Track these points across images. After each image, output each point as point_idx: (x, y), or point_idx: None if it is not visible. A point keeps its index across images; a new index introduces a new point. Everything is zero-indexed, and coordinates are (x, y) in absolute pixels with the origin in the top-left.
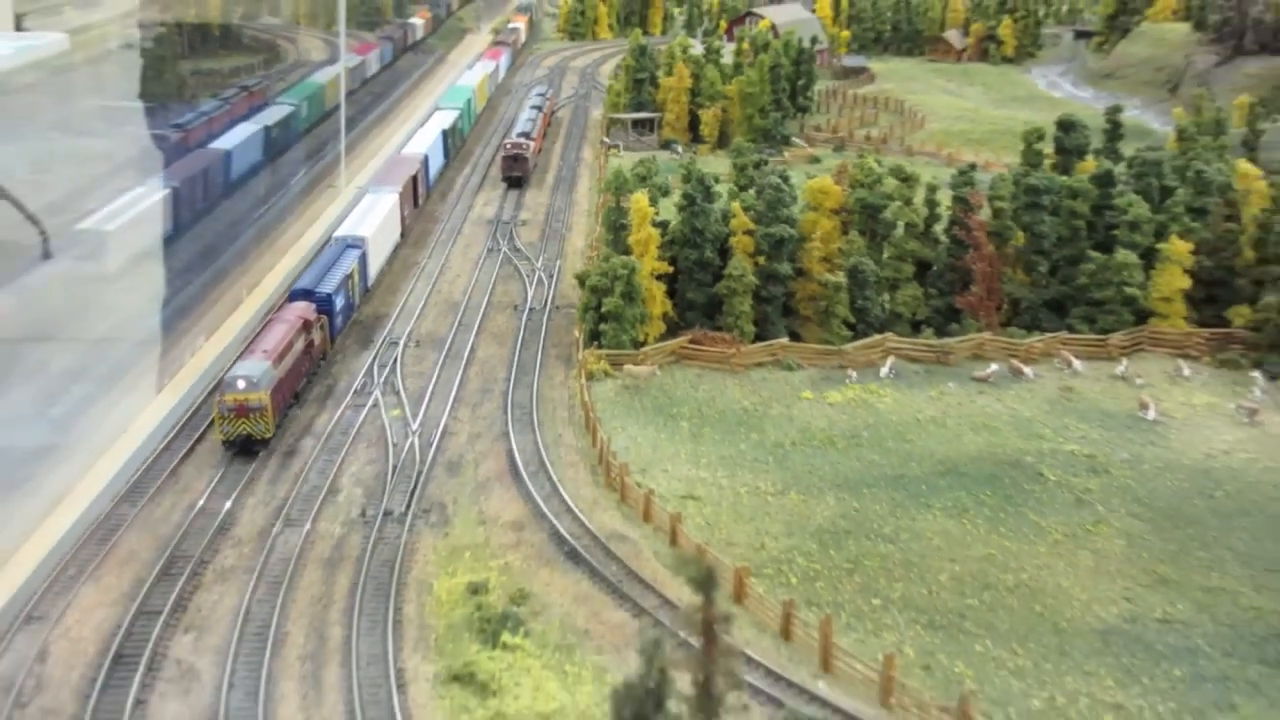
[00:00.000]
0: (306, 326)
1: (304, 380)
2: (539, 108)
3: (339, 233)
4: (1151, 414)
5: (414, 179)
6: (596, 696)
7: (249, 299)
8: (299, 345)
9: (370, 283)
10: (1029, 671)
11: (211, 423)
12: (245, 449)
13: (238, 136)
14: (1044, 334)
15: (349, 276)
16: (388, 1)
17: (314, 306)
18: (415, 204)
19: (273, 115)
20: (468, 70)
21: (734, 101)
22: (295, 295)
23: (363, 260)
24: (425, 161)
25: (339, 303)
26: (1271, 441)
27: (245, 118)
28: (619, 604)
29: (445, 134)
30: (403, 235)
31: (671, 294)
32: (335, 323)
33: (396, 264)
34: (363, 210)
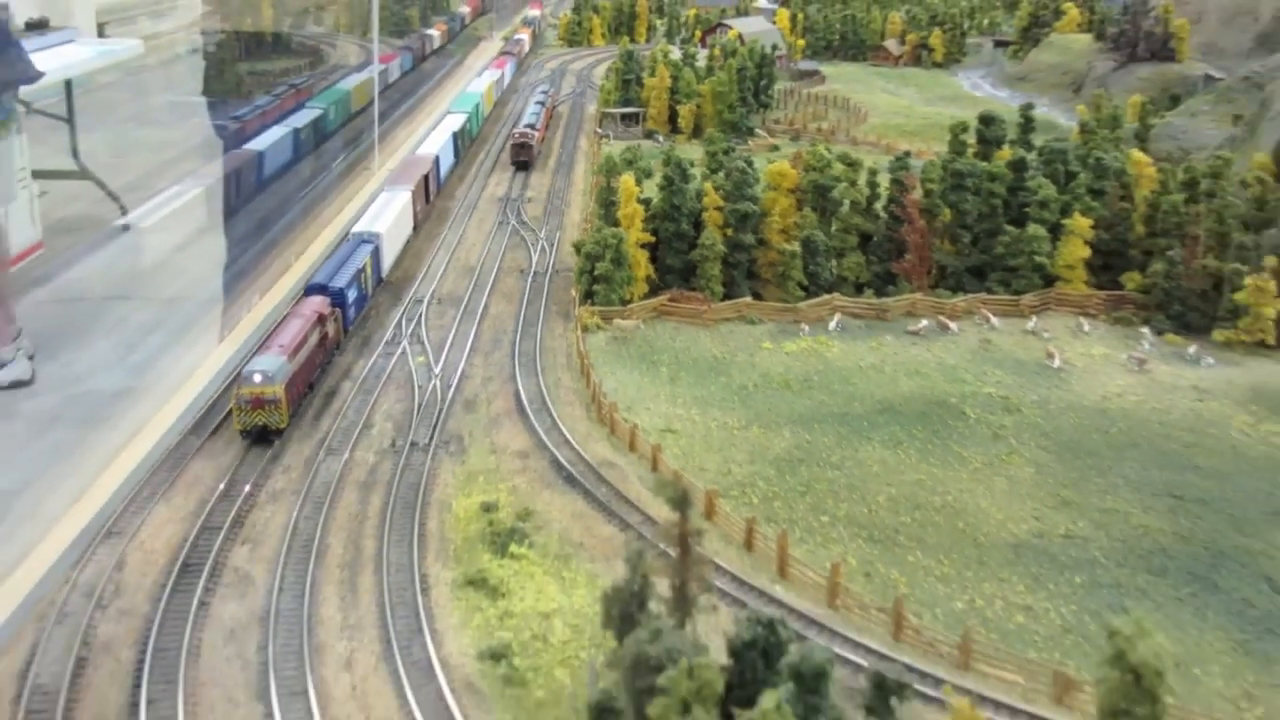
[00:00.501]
0: (320, 320)
1: (318, 371)
2: (542, 103)
3: (356, 228)
4: (1056, 363)
5: (425, 178)
6: (589, 598)
7: (296, 264)
8: (313, 339)
9: (384, 274)
10: (953, 578)
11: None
12: (261, 438)
13: (271, 137)
14: (967, 295)
15: (362, 270)
16: (413, 14)
17: (328, 300)
18: (427, 200)
19: (303, 118)
20: (476, 78)
21: (707, 99)
22: (311, 290)
23: (376, 254)
24: (436, 162)
25: (351, 295)
26: (1157, 386)
27: (292, 112)
28: (608, 520)
29: (455, 136)
30: (415, 229)
31: (653, 260)
32: (348, 314)
33: (421, 235)
34: (378, 207)
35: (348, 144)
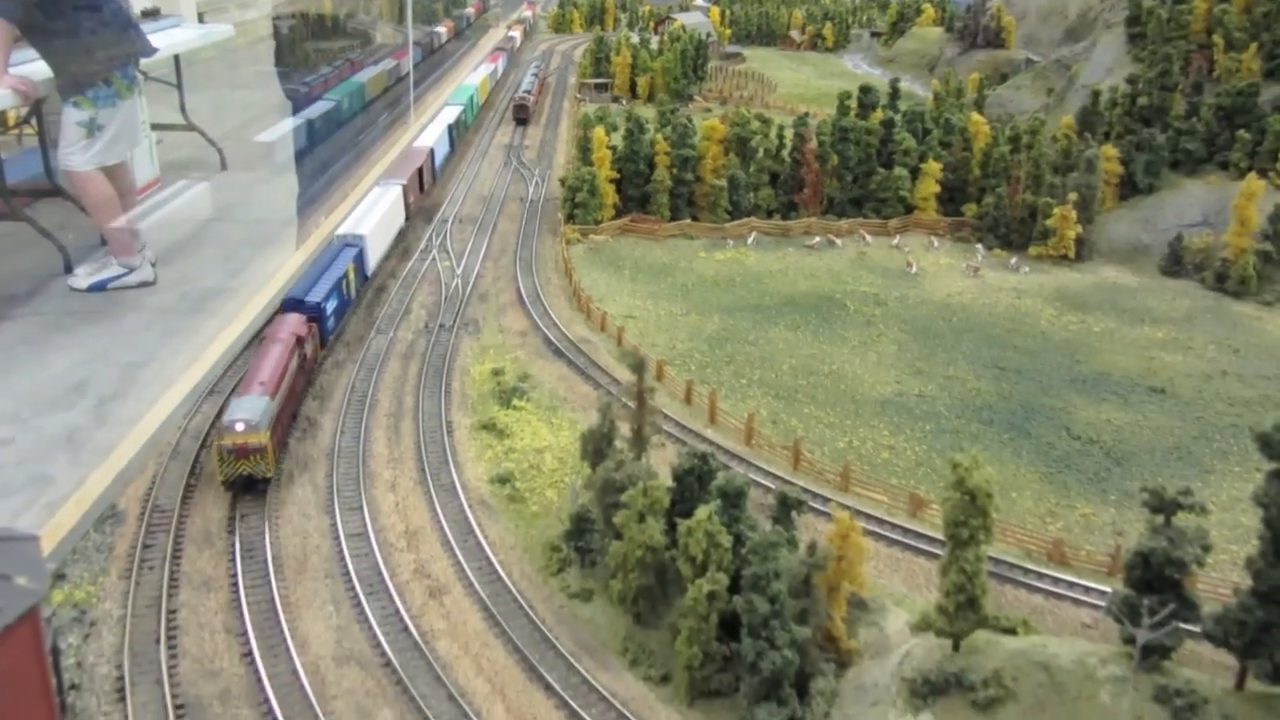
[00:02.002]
0: (300, 343)
1: (302, 397)
2: (536, 74)
3: (340, 230)
4: (914, 270)
5: (420, 170)
6: (571, 438)
7: (351, 194)
8: (294, 365)
9: (370, 273)
10: (836, 425)
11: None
12: (248, 487)
13: (333, 99)
14: (848, 219)
15: (343, 278)
16: (439, 8)
17: (305, 318)
18: (421, 190)
19: (353, 85)
20: (472, 72)
21: (658, 73)
22: (287, 304)
23: (360, 257)
24: (431, 154)
25: (330, 307)
26: (987, 287)
27: (350, 78)
28: (585, 381)
29: (450, 128)
30: (408, 219)
31: (618, 191)
32: (327, 326)
33: (446, 172)
34: (367, 205)
35: (390, 105)
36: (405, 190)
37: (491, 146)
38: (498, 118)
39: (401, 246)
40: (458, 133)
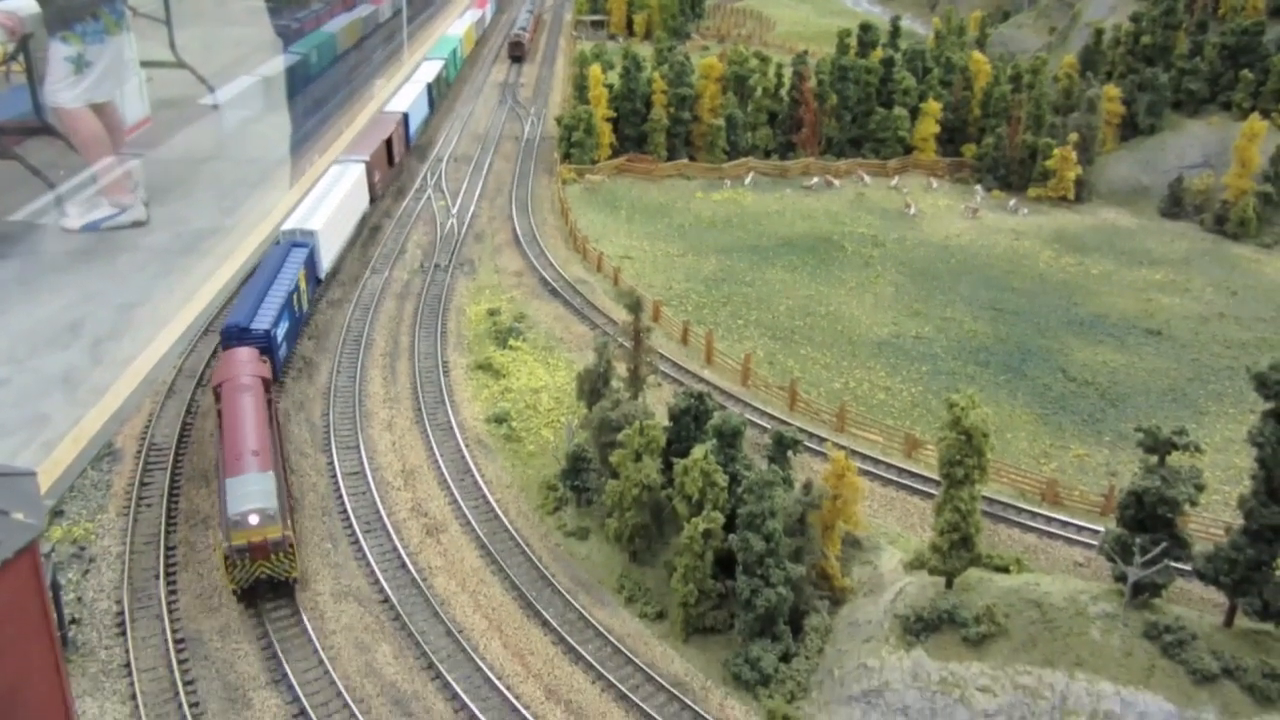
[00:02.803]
0: (267, 386)
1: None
2: (531, 12)
3: (288, 225)
4: (912, 211)
5: (389, 141)
6: (567, 378)
7: (346, 131)
8: (269, 413)
9: (324, 273)
10: (833, 366)
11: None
12: (275, 587)
13: (325, 33)
14: (847, 159)
15: (293, 292)
16: None
17: (257, 351)
18: (391, 162)
19: (347, 19)
20: (457, 20)
21: (655, 9)
22: (230, 334)
23: (311, 259)
24: (405, 120)
25: (281, 333)
26: (985, 229)
27: (342, 13)
28: (581, 321)
29: (430, 87)
30: (373, 201)
31: (615, 130)
32: (278, 357)
33: (440, 110)
34: (324, 188)
35: (385, 40)
36: (369, 168)
37: (487, 85)
38: (492, 54)
39: (396, 185)
40: (439, 91)
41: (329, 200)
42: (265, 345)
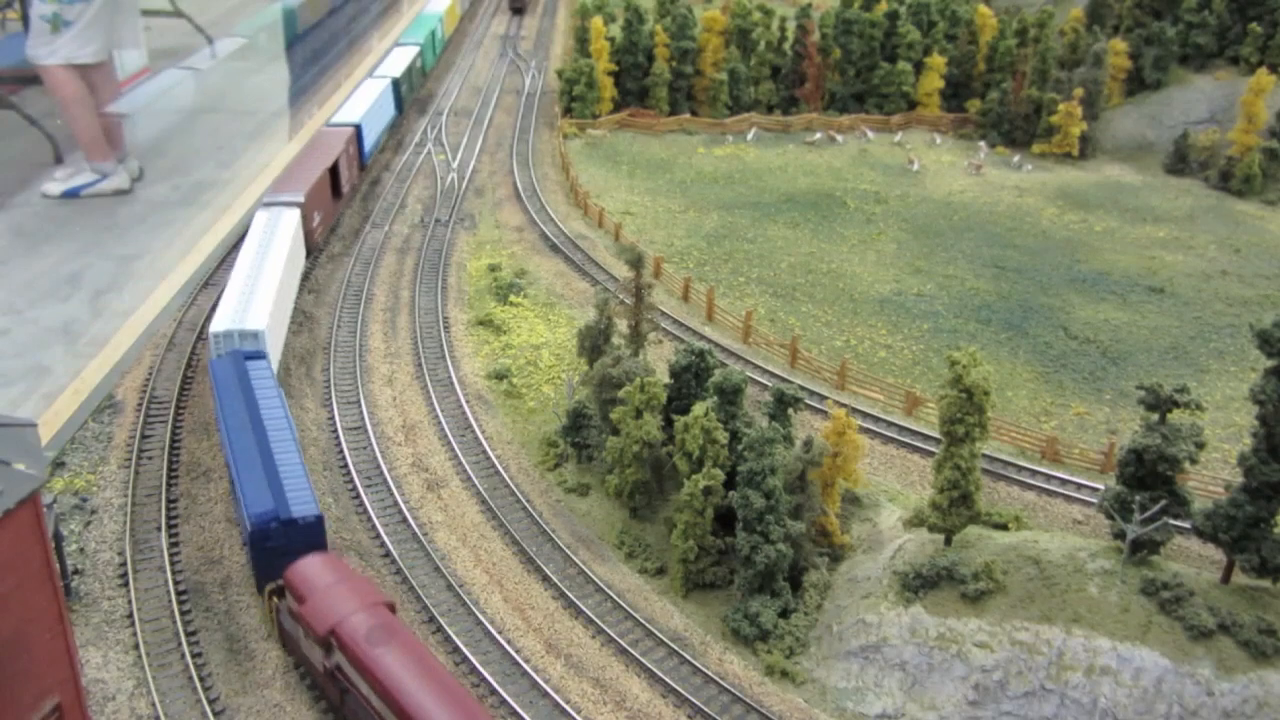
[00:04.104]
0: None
1: None
2: None
3: (216, 326)
4: (915, 167)
5: (334, 168)
6: (568, 334)
7: (345, 84)
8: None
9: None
10: (834, 323)
11: None
12: None
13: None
14: (850, 114)
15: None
16: None
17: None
18: (337, 193)
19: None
20: None
21: None
22: (265, 533)
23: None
24: (357, 134)
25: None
26: (989, 185)
27: None
28: (582, 277)
29: (396, 84)
30: (311, 254)
31: (616, 84)
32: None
33: (442, 63)
34: (255, 247)
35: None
36: (305, 211)
37: (487, 37)
38: (492, 5)
39: (395, 138)
40: (410, 85)
41: (264, 284)
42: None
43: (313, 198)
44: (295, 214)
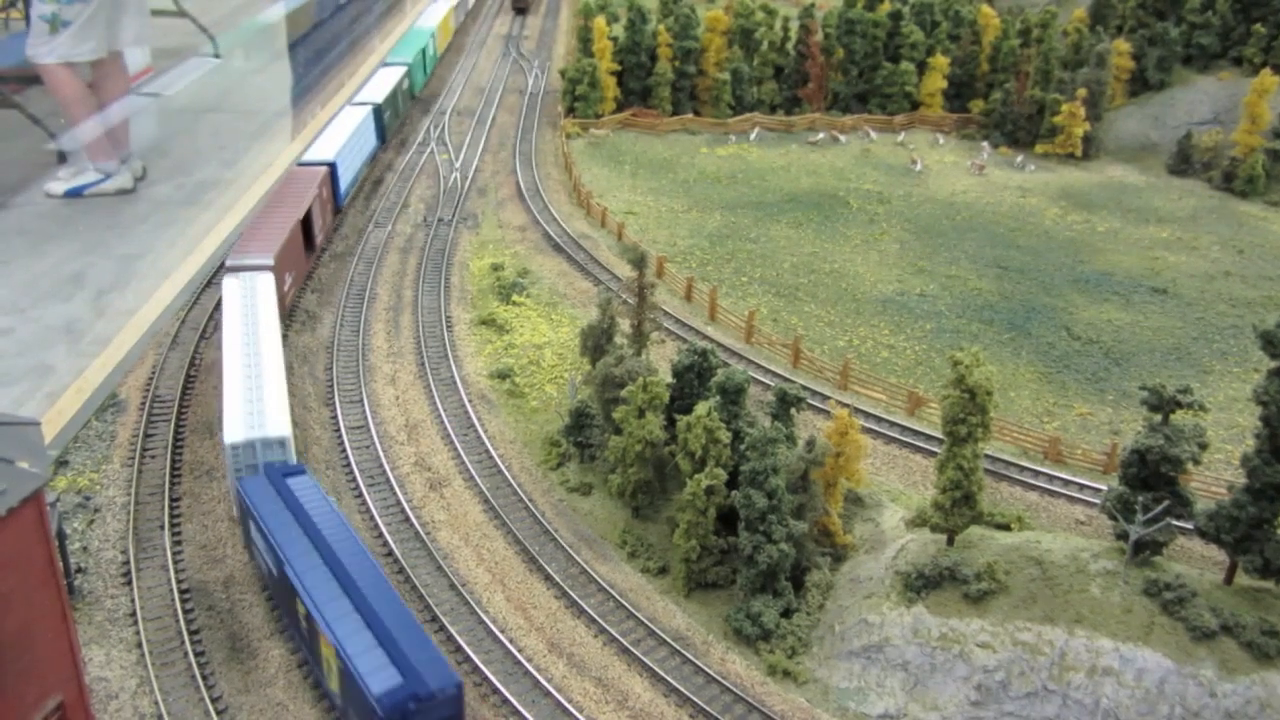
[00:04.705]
0: None
1: None
2: None
3: (232, 435)
4: (918, 167)
5: (306, 219)
6: (571, 333)
7: (349, 83)
8: None
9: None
10: (837, 323)
11: None
12: None
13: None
14: (853, 114)
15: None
16: None
17: None
18: (310, 245)
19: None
20: (431, 4)
21: None
22: None
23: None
24: (332, 174)
25: None
26: (991, 186)
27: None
28: (585, 277)
29: (378, 110)
30: (290, 314)
31: (619, 84)
32: None
33: (445, 62)
34: (238, 325)
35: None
36: (278, 273)
37: (490, 37)
38: (495, 4)
39: (399, 138)
40: (396, 110)
41: (265, 364)
42: None
43: (284, 257)
44: (269, 279)
